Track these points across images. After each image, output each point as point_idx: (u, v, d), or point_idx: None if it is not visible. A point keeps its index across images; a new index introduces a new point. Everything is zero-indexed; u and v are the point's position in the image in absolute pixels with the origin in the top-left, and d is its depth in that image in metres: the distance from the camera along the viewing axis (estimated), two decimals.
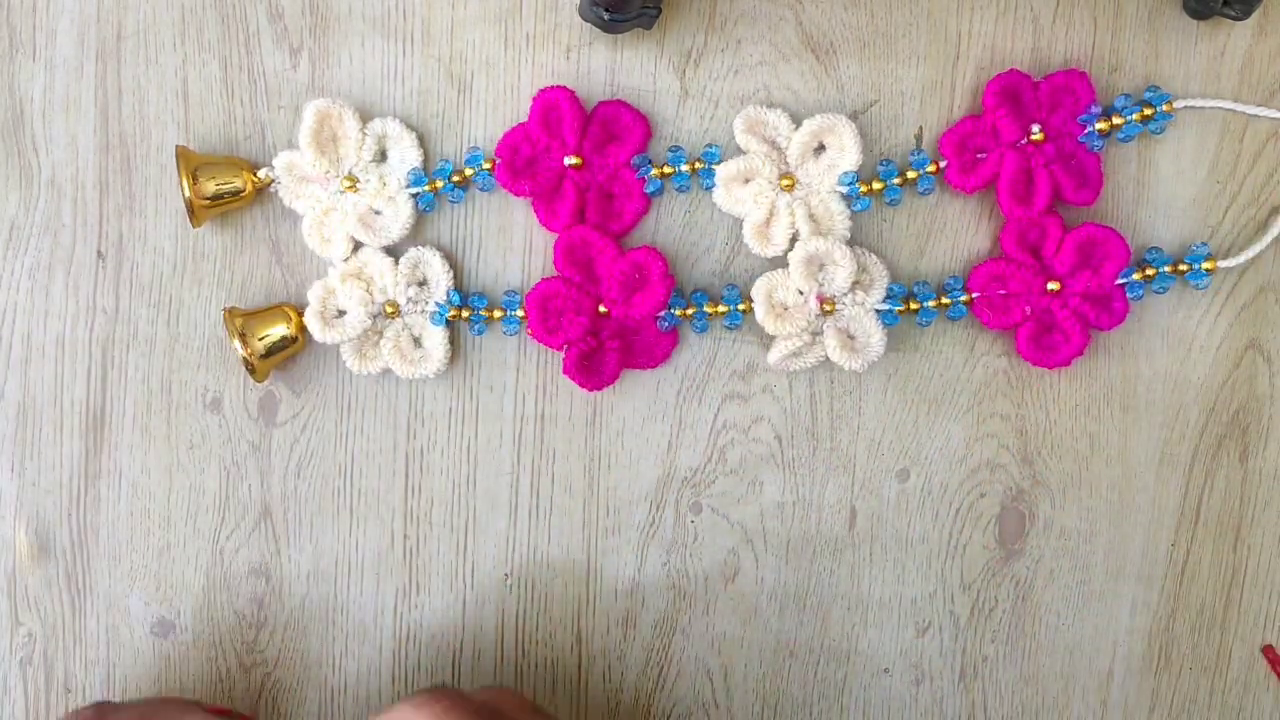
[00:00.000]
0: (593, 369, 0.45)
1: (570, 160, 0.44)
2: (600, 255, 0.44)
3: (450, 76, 0.46)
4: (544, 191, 0.45)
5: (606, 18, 0.42)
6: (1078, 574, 0.47)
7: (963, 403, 0.45)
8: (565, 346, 0.44)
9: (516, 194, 0.45)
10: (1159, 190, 0.45)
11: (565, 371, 0.45)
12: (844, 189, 0.44)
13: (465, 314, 0.46)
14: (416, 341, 0.46)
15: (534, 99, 0.45)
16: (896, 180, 0.45)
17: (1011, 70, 0.44)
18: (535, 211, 0.45)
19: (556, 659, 0.48)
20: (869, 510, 0.47)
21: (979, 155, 0.44)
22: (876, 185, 0.45)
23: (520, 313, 0.45)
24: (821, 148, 0.45)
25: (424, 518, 0.47)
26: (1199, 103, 0.45)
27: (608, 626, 0.48)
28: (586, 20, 0.43)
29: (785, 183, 0.44)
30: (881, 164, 0.45)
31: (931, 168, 0.44)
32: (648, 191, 0.45)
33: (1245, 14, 0.43)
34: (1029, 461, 0.47)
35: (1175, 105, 0.44)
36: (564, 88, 0.44)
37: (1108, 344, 0.46)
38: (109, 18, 0.46)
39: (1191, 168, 0.45)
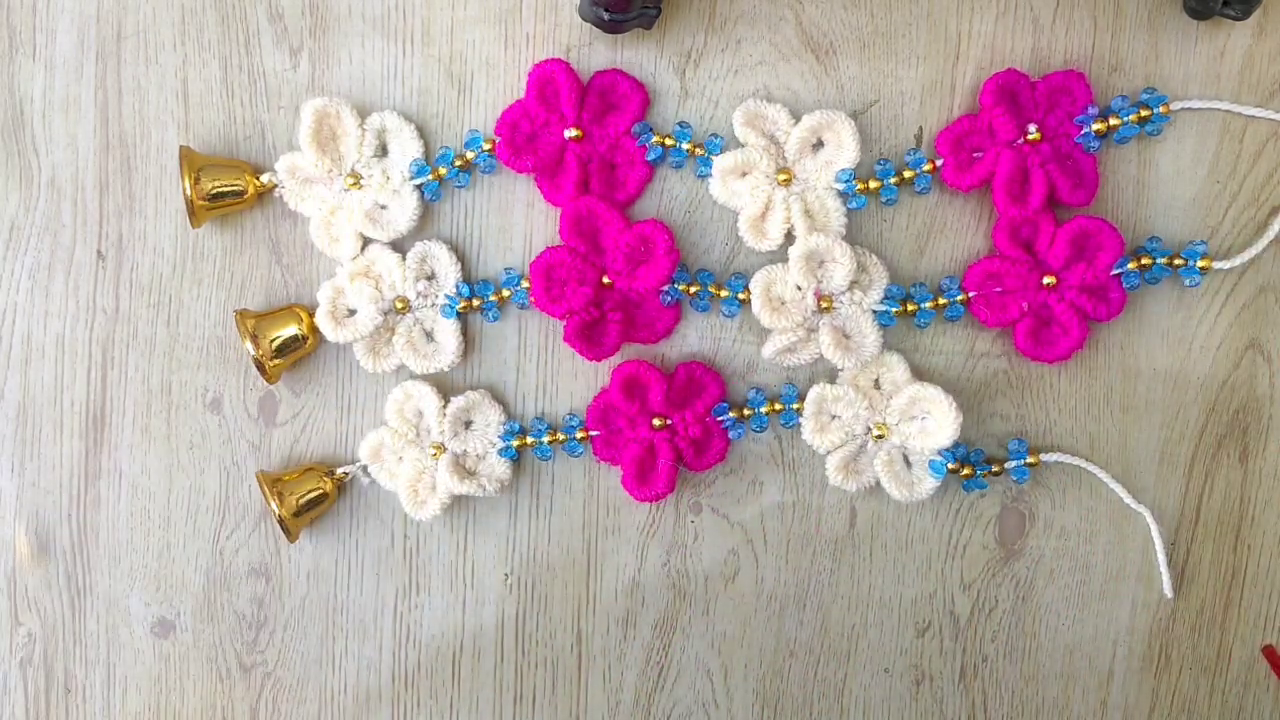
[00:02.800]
0: (594, 339, 0.45)
1: (570, 133, 0.44)
2: (607, 227, 0.44)
3: (450, 76, 0.46)
4: (546, 166, 0.44)
5: (606, 18, 0.42)
6: (1078, 574, 0.47)
7: (963, 403, 0.45)
8: (567, 315, 0.44)
9: (519, 171, 0.45)
10: (1159, 190, 0.45)
11: (566, 339, 0.44)
12: (840, 186, 0.44)
13: (476, 303, 0.46)
14: (429, 335, 0.46)
15: (530, 74, 0.45)
16: (893, 180, 0.45)
17: (1009, 70, 0.44)
18: (539, 187, 0.45)
19: (556, 659, 0.48)
20: (869, 510, 0.47)
21: (975, 154, 0.44)
22: (873, 184, 0.45)
23: (525, 284, 0.45)
24: (820, 144, 0.45)
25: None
26: (1196, 104, 0.45)
27: (608, 626, 0.48)
28: (586, 20, 0.43)
29: (782, 177, 0.44)
30: (879, 163, 0.45)
31: (928, 166, 0.44)
32: (649, 159, 0.45)
33: (1245, 14, 0.43)
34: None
35: (1172, 107, 0.44)
36: (559, 60, 0.44)
37: (1108, 343, 0.46)
38: (109, 18, 0.46)
39: (1191, 168, 0.45)
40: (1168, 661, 0.48)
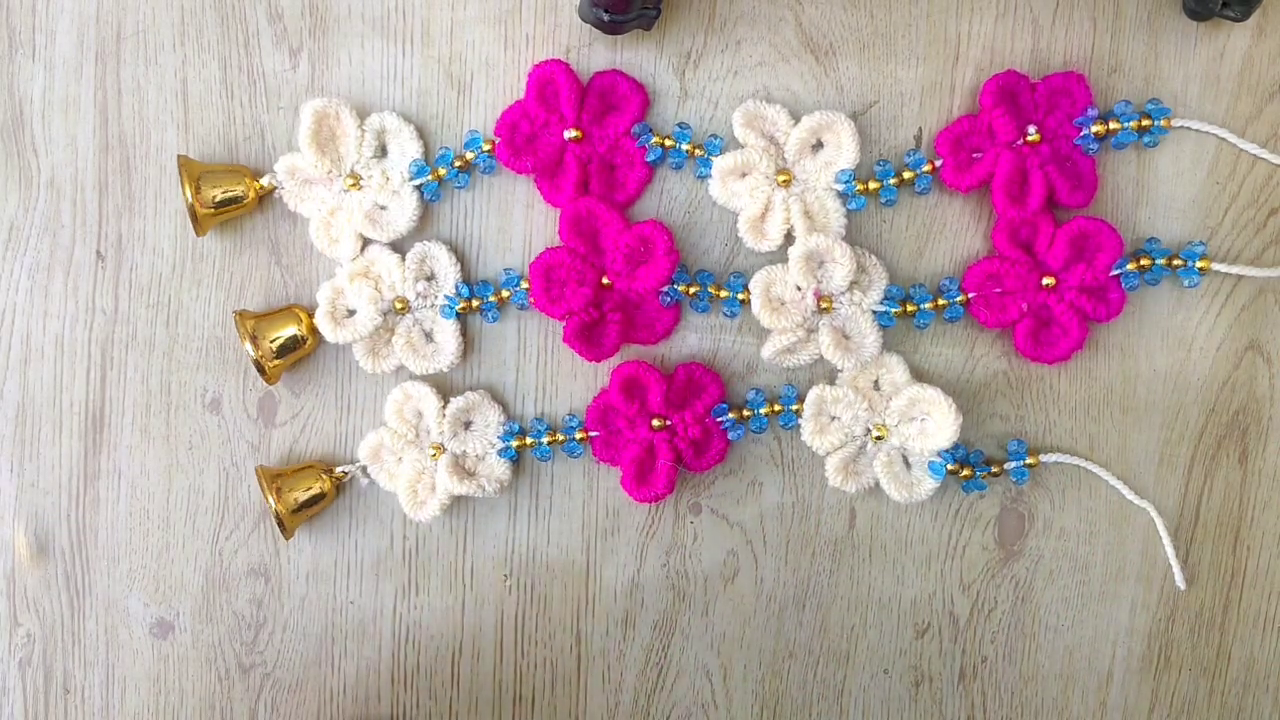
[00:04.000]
0: (593, 340, 0.45)
1: (570, 134, 0.44)
2: (606, 227, 0.44)
3: (450, 77, 0.46)
4: (546, 167, 0.44)
5: (606, 18, 0.42)
6: (1077, 574, 0.47)
7: (963, 404, 0.45)
8: (567, 316, 0.44)
9: (518, 172, 0.45)
10: (1159, 190, 0.45)
11: (566, 340, 0.44)
12: (840, 187, 0.44)
13: (475, 304, 0.46)
14: (428, 336, 0.46)
15: (530, 74, 0.45)
16: (893, 180, 0.45)
17: (1009, 71, 0.44)
18: (539, 188, 0.45)
19: (556, 659, 0.48)
20: (868, 511, 0.47)
21: (975, 155, 0.44)
22: (873, 185, 0.45)
23: (525, 285, 0.45)
24: (820, 145, 0.45)
25: None
26: (1195, 125, 0.45)
27: (607, 627, 0.48)
28: (586, 21, 0.43)
29: (782, 178, 0.44)
30: (879, 164, 0.45)
31: (928, 167, 0.44)
32: (649, 160, 0.45)
33: (1244, 15, 0.43)
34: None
35: (1173, 123, 0.44)
36: (559, 61, 0.44)
37: (1108, 344, 0.46)
38: (109, 18, 0.46)
39: (1191, 168, 0.45)
40: (1167, 662, 0.48)
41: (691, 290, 0.45)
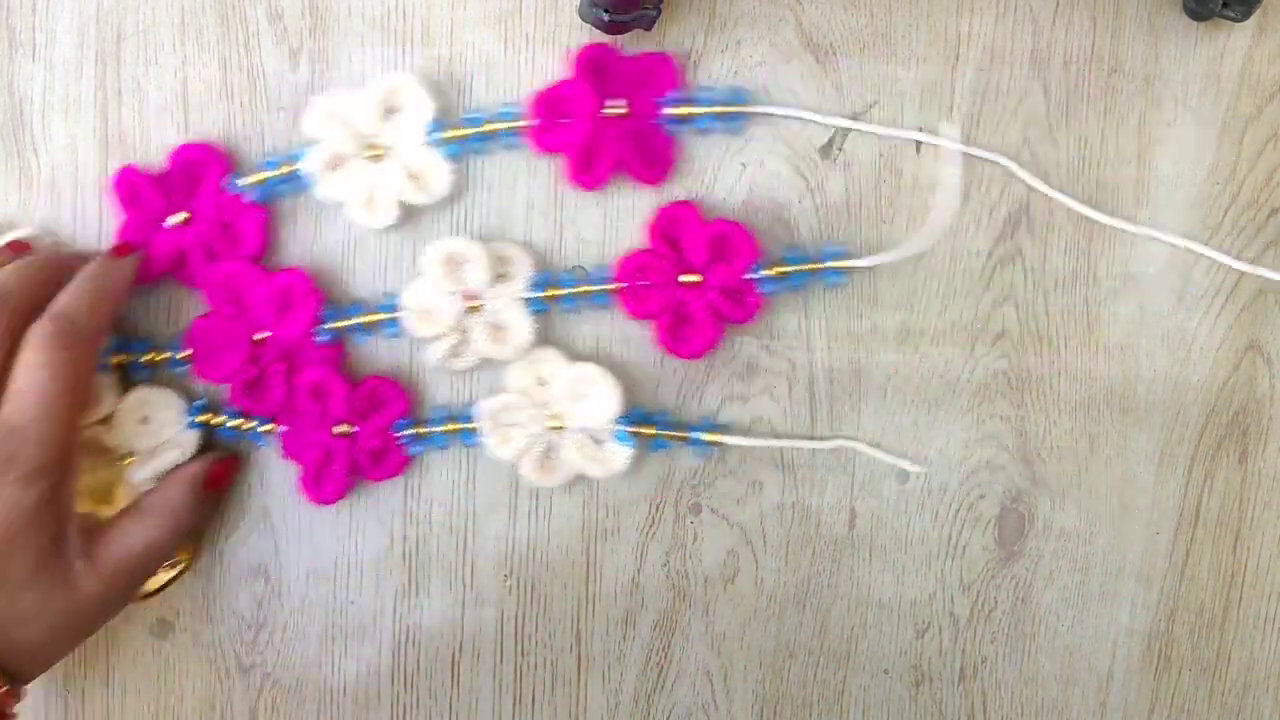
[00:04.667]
0: (257, 396, 0.45)
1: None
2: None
3: (450, 78, 0.46)
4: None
5: (606, 18, 0.42)
6: (1077, 575, 0.47)
7: (962, 404, 0.45)
8: (226, 380, 0.45)
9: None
10: (1159, 191, 0.45)
11: (232, 399, 0.45)
12: (430, 139, 0.44)
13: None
14: None
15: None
16: (481, 129, 0.44)
17: (601, 44, 0.44)
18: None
19: (556, 659, 0.48)
20: (869, 511, 0.47)
21: (563, 120, 0.44)
22: (466, 132, 0.44)
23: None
24: (396, 110, 0.45)
25: (424, 518, 0.47)
26: (774, 110, 0.45)
27: (607, 627, 0.48)
28: (586, 21, 0.43)
29: (370, 152, 0.44)
30: (466, 116, 0.44)
31: (518, 124, 0.44)
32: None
33: (1245, 15, 0.43)
34: (1028, 463, 0.47)
35: (750, 109, 0.44)
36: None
37: (1108, 345, 0.46)
38: (109, 18, 0.46)
39: (1191, 169, 0.45)
40: (1167, 663, 0.48)
41: (354, 321, 0.45)
